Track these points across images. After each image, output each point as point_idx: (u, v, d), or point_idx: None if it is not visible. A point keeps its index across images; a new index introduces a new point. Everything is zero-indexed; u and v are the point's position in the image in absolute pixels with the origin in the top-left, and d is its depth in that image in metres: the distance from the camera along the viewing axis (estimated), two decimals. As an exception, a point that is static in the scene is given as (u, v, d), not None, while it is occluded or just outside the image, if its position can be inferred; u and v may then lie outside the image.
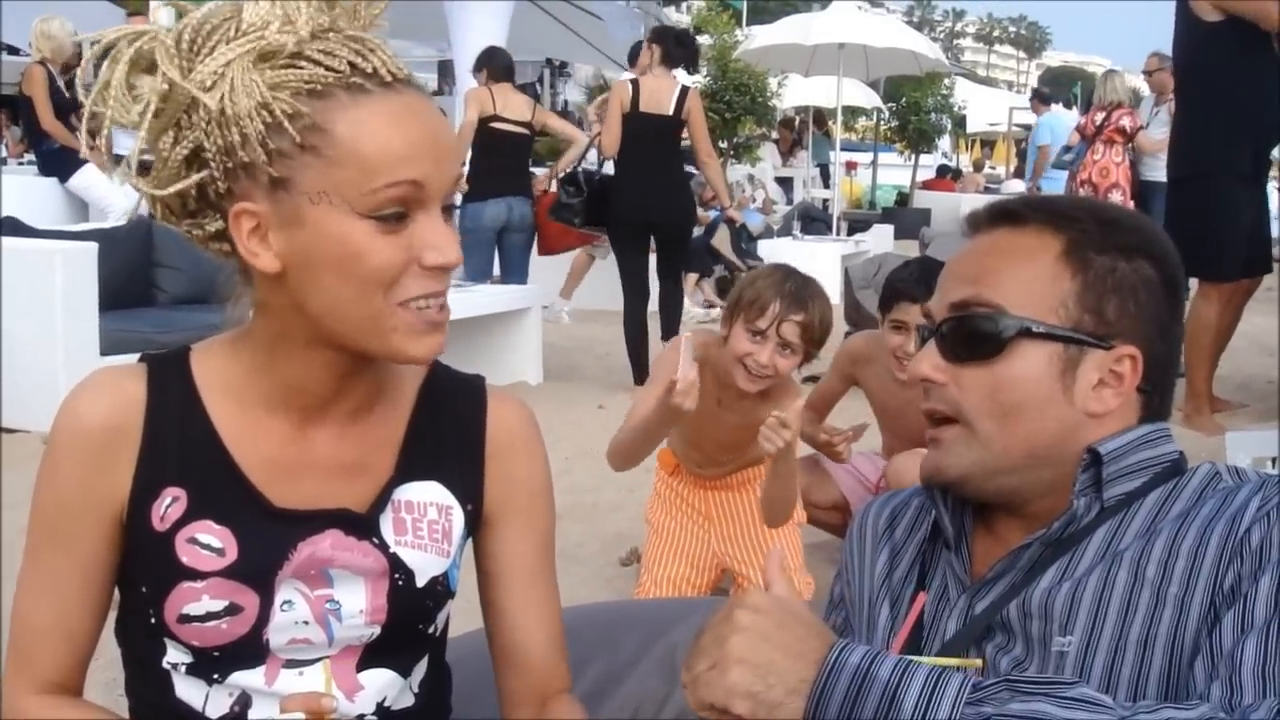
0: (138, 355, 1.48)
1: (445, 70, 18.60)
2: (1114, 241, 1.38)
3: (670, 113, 7.37)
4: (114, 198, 9.40)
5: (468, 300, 6.84)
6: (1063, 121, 14.11)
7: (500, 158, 8.32)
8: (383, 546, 1.43)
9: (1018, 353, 1.35)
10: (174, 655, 1.40)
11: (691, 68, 8.67)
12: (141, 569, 1.39)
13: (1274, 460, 3.58)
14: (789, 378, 3.40)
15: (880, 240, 14.39)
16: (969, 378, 1.38)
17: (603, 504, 4.62)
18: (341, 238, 1.26)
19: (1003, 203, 1.48)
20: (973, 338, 1.38)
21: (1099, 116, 10.75)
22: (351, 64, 1.27)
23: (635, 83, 7.49)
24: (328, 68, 1.26)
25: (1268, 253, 6.20)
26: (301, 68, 1.25)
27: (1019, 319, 1.35)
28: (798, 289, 3.25)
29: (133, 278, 6.86)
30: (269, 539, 1.39)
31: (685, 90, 7.48)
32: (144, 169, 1.31)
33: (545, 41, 15.77)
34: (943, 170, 24.56)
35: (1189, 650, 1.22)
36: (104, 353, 5.64)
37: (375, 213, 1.26)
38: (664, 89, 7.40)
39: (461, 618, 1.55)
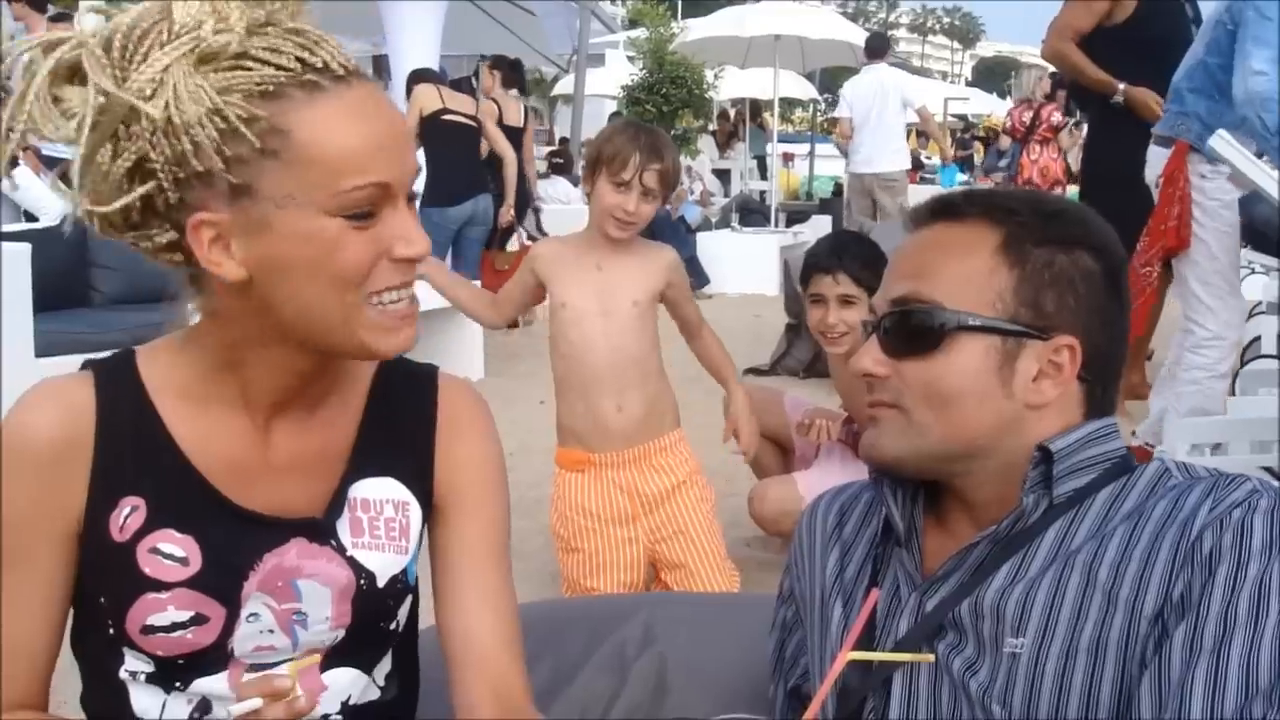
0: (78, 359, 1.44)
1: (380, 65, 18.42)
2: (1052, 234, 1.39)
3: (521, 125, 9.90)
4: (48, 200, 9.26)
5: (409, 295, 6.79)
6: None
7: (455, 153, 8.39)
8: (340, 549, 1.42)
9: (955, 346, 1.36)
10: (133, 664, 1.38)
11: (522, 91, 10.66)
12: (101, 581, 1.36)
13: (1212, 448, 3.63)
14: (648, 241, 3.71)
15: (818, 231, 14.27)
16: (909, 371, 1.38)
17: (545, 499, 4.59)
18: (312, 237, 1.24)
19: (943, 196, 1.49)
20: (912, 332, 1.38)
21: (1027, 115, 10.82)
22: (301, 60, 1.22)
23: (497, 101, 9.61)
24: (278, 66, 1.21)
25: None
26: (250, 68, 1.20)
27: (955, 313, 1.36)
28: (653, 141, 3.44)
29: (68, 278, 6.74)
30: (233, 544, 1.36)
31: (526, 110, 10.16)
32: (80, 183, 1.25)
33: (479, 37, 15.65)
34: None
35: (1138, 659, 1.22)
36: (39, 354, 5.55)
37: (344, 211, 1.23)
38: (515, 107, 9.91)
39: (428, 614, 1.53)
